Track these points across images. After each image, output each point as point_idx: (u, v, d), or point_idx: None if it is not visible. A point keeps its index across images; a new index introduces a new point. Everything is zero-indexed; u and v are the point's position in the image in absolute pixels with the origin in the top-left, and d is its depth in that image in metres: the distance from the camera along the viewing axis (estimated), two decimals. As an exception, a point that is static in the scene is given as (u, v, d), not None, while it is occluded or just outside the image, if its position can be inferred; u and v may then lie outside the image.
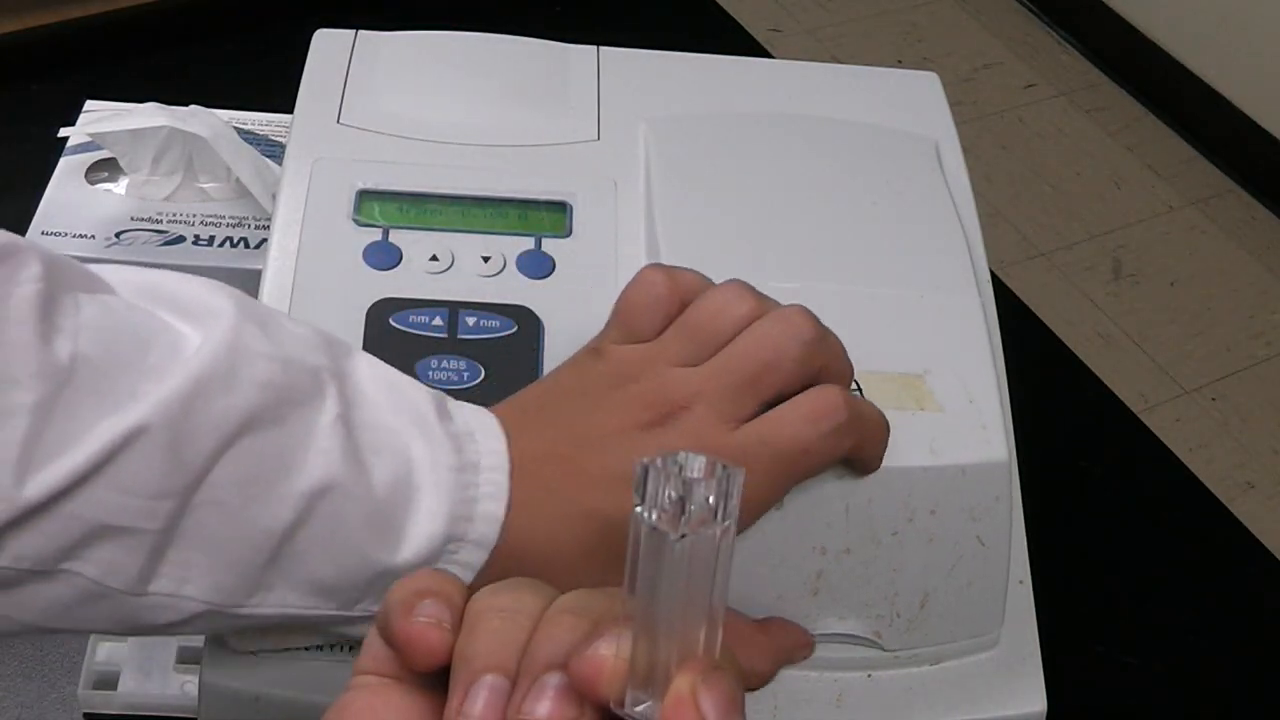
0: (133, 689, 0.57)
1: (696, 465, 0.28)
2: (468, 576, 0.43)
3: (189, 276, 0.43)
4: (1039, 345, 0.80)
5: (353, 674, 0.35)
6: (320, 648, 0.50)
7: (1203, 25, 2.24)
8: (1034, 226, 2.06)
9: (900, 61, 2.37)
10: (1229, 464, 1.79)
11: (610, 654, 0.30)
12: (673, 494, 0.27)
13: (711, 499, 0.28)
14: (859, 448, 0.45)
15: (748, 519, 0.45)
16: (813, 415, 0.44)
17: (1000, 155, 2.22)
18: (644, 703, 0.29)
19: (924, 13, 2.51)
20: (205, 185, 0.74)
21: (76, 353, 0.38)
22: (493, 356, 0.55)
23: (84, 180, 0.73)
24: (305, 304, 0.56)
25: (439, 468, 0.43)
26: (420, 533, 0.42)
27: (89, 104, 0.77)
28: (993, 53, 2.44)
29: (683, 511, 0.27)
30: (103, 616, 0.40)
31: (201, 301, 0.42)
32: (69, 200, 0.72)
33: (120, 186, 0.73)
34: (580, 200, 0.60)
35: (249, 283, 0.64)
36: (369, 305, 0.55)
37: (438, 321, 0.56)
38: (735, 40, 1.00)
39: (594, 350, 0.48)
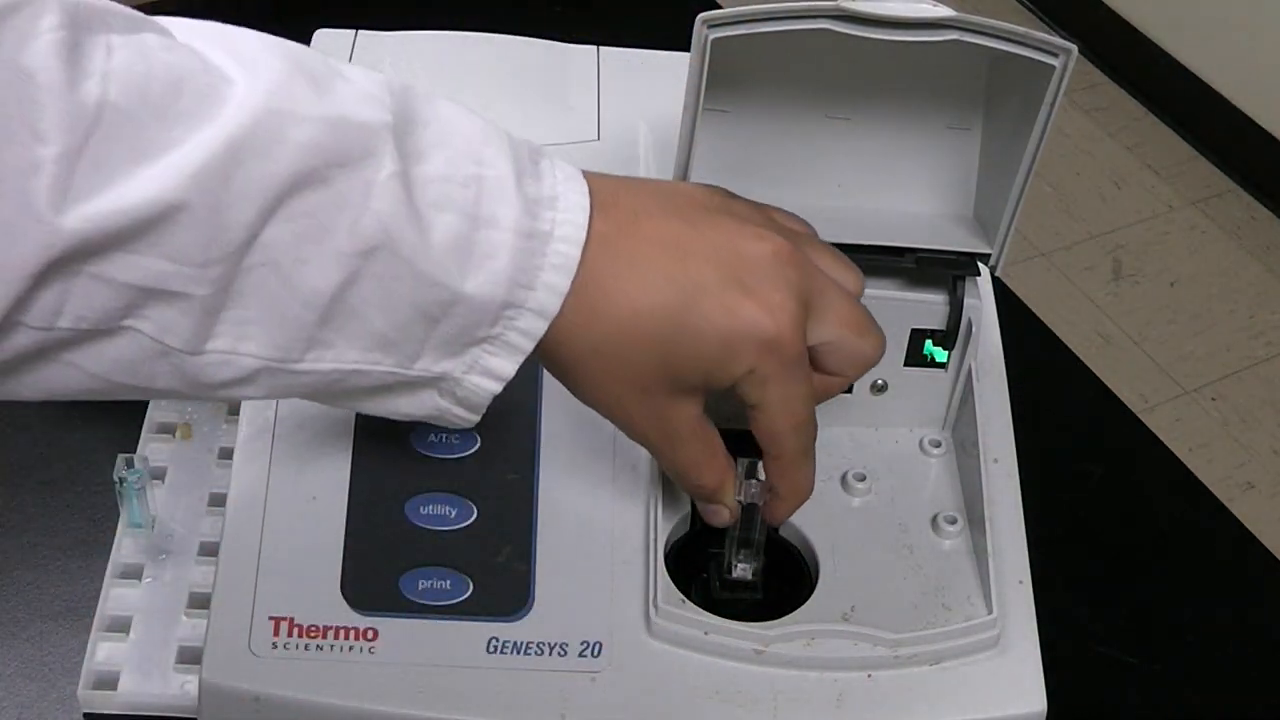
0: (133, 689, 0.57)
1: (757, 469, 0.51)
2: (527, 346, 0.43)
3: (251, 32, 0.42)
4: (1039, 345, 0.80)
5: None
6: (320, 647, 0.50)
7: (1203, 25, 2.24)
8: (1034, 226, 2.06)
9: (900, 61, 2.35)
10: (1229, 464, 1.78)
11: None
12: (753, 486, 0.51)
13: (758, 479, 0.51)
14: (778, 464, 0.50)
15: None
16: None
17: (1000, 155, 2.21)
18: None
19: (924, 13, 2.50)
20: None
21: (104, 99, 0.36)
22: (493, 356, 0.55)
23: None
24: (305, 304, 0.56)
25: (507, 230, 0.42)
26: (480, 294, 0.42)
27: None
28: (993, 53, 2.44)
29: (755, 492, 0.51)
30: (166, 374, 0.41)
31: (253, 49, 0.40)
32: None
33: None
34: (580, 200, 0.60)
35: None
36: (369, 305, 0.55)
37: (438, 321, 0.55)
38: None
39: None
